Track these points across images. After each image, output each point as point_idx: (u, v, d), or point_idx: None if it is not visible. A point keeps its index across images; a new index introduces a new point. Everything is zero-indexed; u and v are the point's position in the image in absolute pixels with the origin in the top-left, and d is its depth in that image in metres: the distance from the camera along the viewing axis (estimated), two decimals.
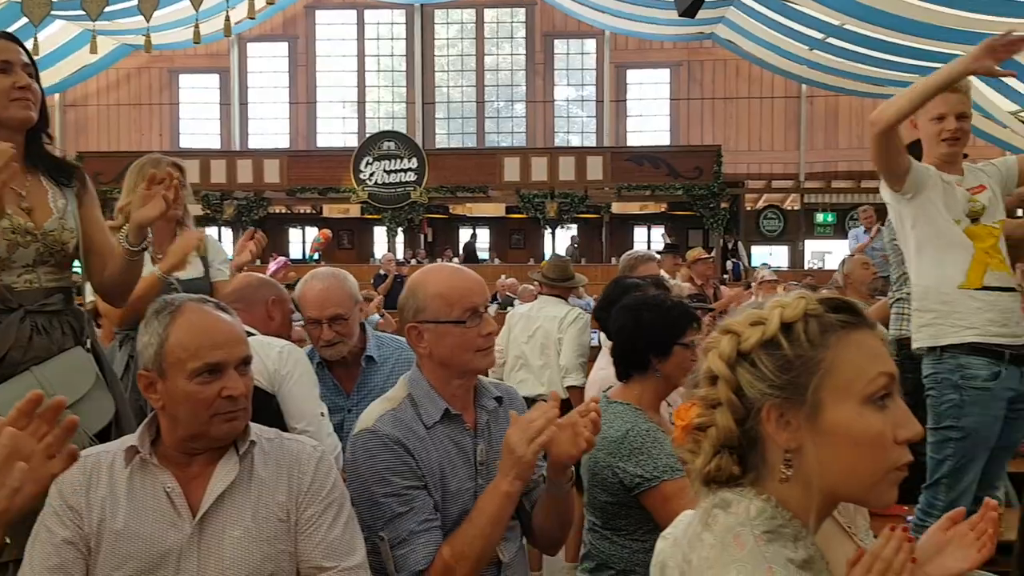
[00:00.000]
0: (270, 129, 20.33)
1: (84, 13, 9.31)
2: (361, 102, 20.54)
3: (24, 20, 9.04)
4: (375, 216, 18.60)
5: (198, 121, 20.37)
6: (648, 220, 20.70)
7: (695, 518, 1.14)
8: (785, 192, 19.64)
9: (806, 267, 18.28)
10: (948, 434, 2.91)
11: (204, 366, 1.63)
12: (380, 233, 19.47)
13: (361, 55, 20.52)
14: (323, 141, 20.34)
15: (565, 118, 20.58)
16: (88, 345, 2.33)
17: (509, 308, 9.73)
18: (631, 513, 2.17)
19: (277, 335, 2.61)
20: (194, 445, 1.66)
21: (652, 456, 2.12)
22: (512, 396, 2.08)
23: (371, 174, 17.75)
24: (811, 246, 19.92)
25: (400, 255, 17.48)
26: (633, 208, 19.71)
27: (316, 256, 17.15)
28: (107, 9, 9.38)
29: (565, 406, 1.92)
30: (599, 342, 4.61)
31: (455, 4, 20.08)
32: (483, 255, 20.11)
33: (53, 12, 9.61)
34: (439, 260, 16.78)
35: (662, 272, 6.42)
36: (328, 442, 2.40)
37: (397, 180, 17.76)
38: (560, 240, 19.11)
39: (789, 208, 19.82)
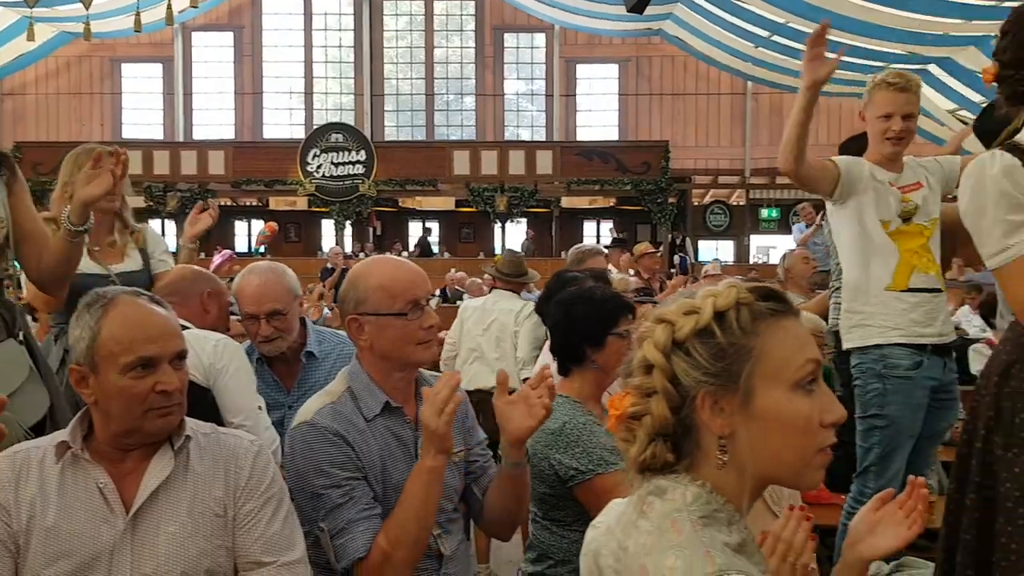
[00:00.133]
0: (215, 120, 19.99)
1: None
2: (309, 93, 20.31)
3: None
4: (323, 209, 18.42)
5: (141, 111, 19.96)
6: (597, 214, 20.85)
7: (629, 505, 1.15)
8: (731, 188, 19.92)
9: (751, 261, 18.57)
10: (874, 422, 3.00)
11: (138, 360, 1.59)
12: (328, 226, 19.29)
13: (309, 46, 20.27)
14: (269, 132, 20.07)
15: (515, 112, 20.59)
16: (21, 337, 2.27)
17: (459, 302, 9.71)
18: (568, 505, 2.18)
19: (214, 329, 2.56)
20: (128, 440, 1.63)
21: (587, 449, 2.14)
22: (454, 388, 2.06)
23: (318, 166, 17.56)
24: (756, 241, 20.25)
25: (348, 249, 17.33)
26: (583, 202, 19.83)
27: (262, 249, 16.88)
28: None
29: None
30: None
31: None
32: (433, 248, 20.04)
33: None
34: (388, 254, 16.67)
35: (610, 266, 6.48)
36: (266, 436, 2.37)
37: (345, 173, 17.60)
38: (511, 234, 19.13)
39: (735, 203, 20.12)
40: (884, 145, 3.02)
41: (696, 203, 19.84)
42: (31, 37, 9.75)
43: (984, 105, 3.73)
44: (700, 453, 1.11)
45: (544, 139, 19.65)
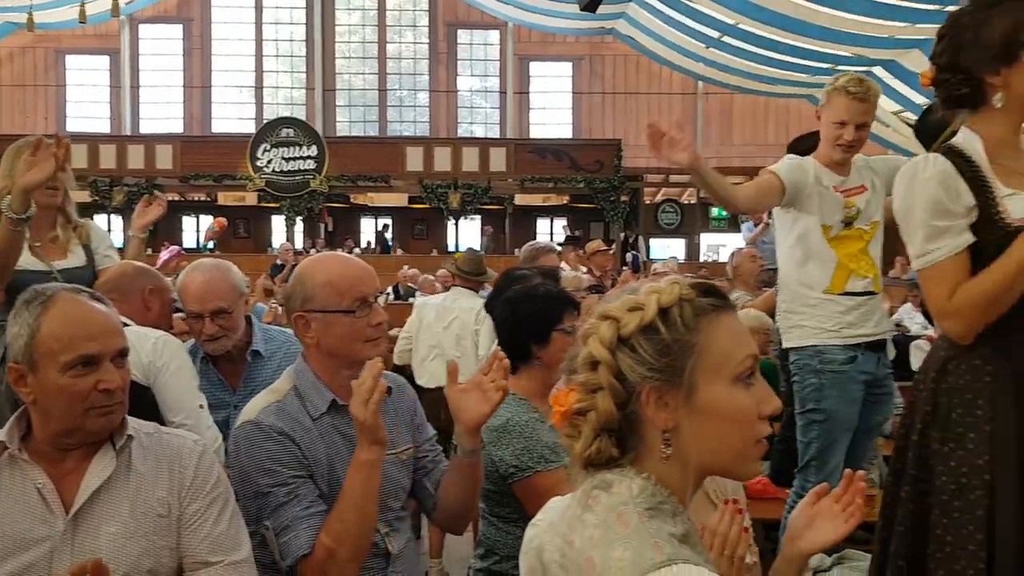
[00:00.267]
0: (163, 113, 19.67)
1: None
2: (259, 87, 20.06)
3: None
4: (273, 204, 18.21)
5: (86, 104, 19.57)
6: (551, 212, 20.91)
7: (574, 500, 1.16)
8: (682, 187, 20.12)
9: (701, 260, 18.80)
10: (812, 416, 3.07)
11: (78, 358, 1.56)
12: (278, 222, 19.07)
13: (259, 39, 20.02)
14: (218, 127, 19.78)
15: (469, 108, 20.57)
16: None
17: (411, 299, 9.68)
18: (511, 501, 2.19)
19: (156, 326, 2.51)
20: (68, 440, 1.60)
21: (528, 447, 2.14)
22: (401, 385, 2.06)
23: (268, 161, 17.35)
24: (707, 239, 20.51)
25: (299, 245, 17.15)
26: (536, 200, 19.87)
27: (211, 245, 16.66)
28: None
29: None
30: None
31: None
32: None
33: None
34: (339, 250, 16.54)
35: (563, 264, 6.50)
36: (208, 435, 2.33)
37: (296, 168, 17.41)
38: (464, 231, 19.10)
39: (686, 202, 20.34)
40: (834, 151, 3.06)
41: (648, 201, 20.01)
42: None
43: (925, 108, 3.80)
44: (644, 447, 1.13)
45: (498, 136, 19.65)
